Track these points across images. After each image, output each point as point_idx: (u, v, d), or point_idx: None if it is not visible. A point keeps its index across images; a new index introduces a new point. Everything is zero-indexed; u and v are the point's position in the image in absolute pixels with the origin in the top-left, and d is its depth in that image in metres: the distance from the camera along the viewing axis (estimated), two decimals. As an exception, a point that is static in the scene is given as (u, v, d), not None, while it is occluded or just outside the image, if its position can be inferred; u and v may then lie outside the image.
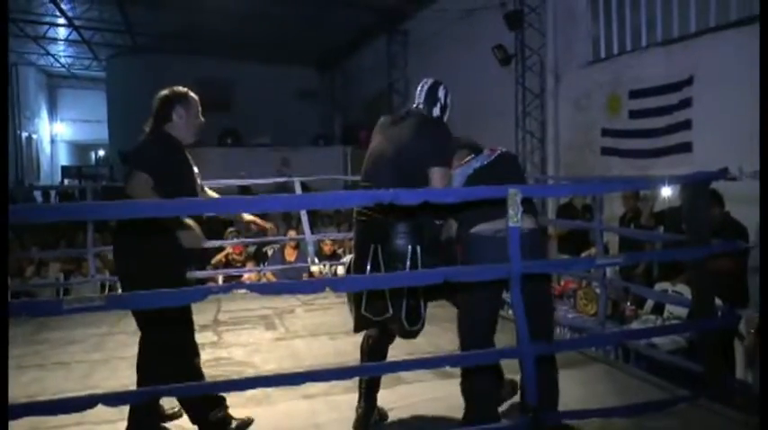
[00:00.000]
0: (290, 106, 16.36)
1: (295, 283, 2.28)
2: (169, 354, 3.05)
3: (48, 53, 18.42)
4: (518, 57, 9.17)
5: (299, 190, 6.32)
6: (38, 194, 17.40)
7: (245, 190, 8.93)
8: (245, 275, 7.43)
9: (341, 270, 7.65)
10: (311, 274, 7.25)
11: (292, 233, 7.77)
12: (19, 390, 3.92)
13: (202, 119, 3.19)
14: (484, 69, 9.82)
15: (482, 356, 2.55)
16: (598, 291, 5.52)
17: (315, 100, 17.53)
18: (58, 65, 20.24)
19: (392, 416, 3.31)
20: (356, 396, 3.25)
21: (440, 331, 4.61)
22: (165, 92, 3.15)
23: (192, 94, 3.17)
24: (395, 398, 3.49)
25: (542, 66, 9.01)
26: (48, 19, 14.83)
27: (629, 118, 7.46)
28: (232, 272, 7.34)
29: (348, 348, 4.62)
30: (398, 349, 4.51)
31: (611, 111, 7.76)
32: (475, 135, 10.87)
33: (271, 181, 7.78)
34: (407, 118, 3.15)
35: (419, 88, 3.30)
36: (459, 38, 10.44)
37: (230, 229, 8.36)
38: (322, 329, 5.05)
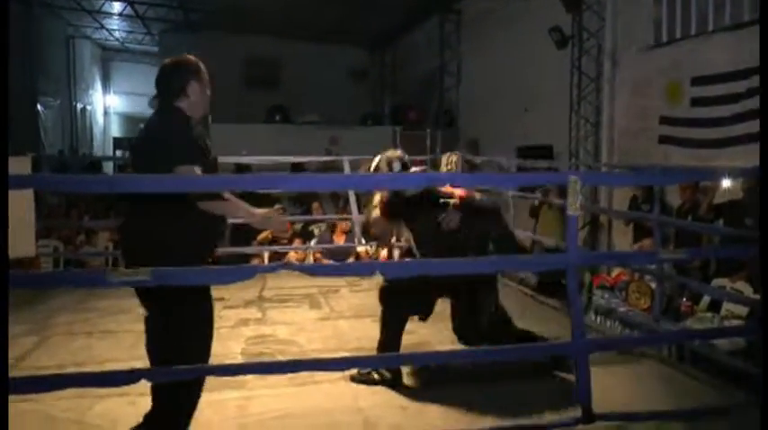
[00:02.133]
0: (340, 85, 16.21)
1: (345, 266, 2.21)
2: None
3: (102, 27, 18.71)
4: (575, 39, 8.87)
5: (347, 169, 6.26)
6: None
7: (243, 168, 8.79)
8: (291, 253, 7.42)
9: (385, 252, 7.60)
10: (358, 255, 7.20)
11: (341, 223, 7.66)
12: (68, 357, 4.00)
13: (208, 93, 2.87)
14: (538, 52, 9.52)
15: (533, 350, 2.44)
16: (652, 284, 5.34)
17: (365, 79, 17.35)
18: (113, 39, 20.57)
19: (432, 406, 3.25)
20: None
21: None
22: (174, 61, 2.81)
23: (202, 65, 2.84)
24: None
25: (599, 49, 8.67)
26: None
27: (690, 106, 7.13)
28: (278, 249, 7.34)
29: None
30: (443, 337, 4.47)
31: (670, 98, 7.43)
32: (528, 119, 10.59)
33: (315, 159, 7.74)
34: None
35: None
36: (514, 19, 10.14)
37: (277, 206, 8.34)
38: (366, 311, 4.99)
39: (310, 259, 7.33)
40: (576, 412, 2.68)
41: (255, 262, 7.56)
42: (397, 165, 3.48)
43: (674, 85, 7.31)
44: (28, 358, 3.98)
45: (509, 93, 10.33)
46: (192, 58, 2.86)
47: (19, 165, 5.77)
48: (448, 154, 6.12)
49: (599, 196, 8.57)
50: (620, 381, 3.51)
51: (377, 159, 3.57)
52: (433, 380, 3.47)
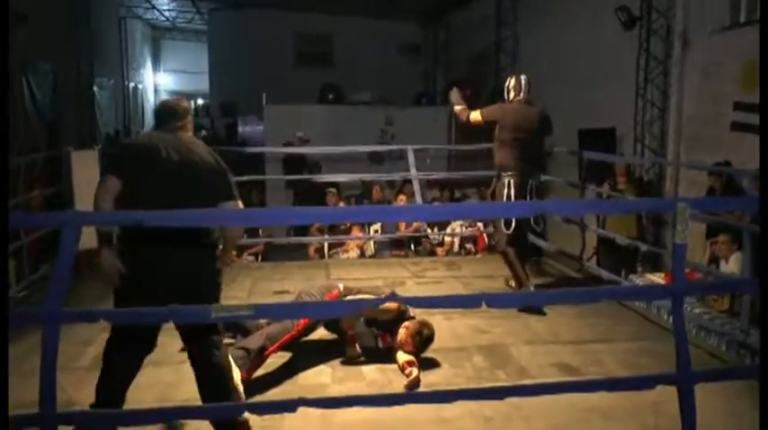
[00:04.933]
0: (392, 62, 15.84)
1: (451, 298, 2.13)
2: None
3: (153, 7, 18.86)
4: (643, 19, 8.49)
5: (412, 159, 6.14)
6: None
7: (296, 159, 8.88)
8: (351, 241, 7.37)
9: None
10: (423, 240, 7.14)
11: (402, 198, 7.58)
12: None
13: None
14: (603, 31, 9.16)
15: (633, 382, 2.32)
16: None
17: (417, 56, 16.98)
18: (163, 18, 20.74)
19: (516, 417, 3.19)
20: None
21: (557, 316, 4.57)
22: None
23: None
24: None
25: (669, 30, 8.29)
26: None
27: (770, 91, 6.77)
28: (339, 238, 7.27)
29: (464, 331, 4.48)
30: (517, 337, 4.39)
31: (747, 82, 7.08)
32: (591, 102, 10.16)
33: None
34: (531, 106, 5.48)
35: (523, 83, 5.41)
36: (577, -4, 9.81)
37: (330, 190, 8.34)
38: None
39: (371, 247, 7.28)
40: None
41: (312, 250, 7.59)
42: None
43: (753, 68, 6.94)
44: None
45: (570, 73, 10.01)
46: None
47: (87, 159, 5.86)
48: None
49: (663, 184, 8.28)
50: (708, 398, 3.32)
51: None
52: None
